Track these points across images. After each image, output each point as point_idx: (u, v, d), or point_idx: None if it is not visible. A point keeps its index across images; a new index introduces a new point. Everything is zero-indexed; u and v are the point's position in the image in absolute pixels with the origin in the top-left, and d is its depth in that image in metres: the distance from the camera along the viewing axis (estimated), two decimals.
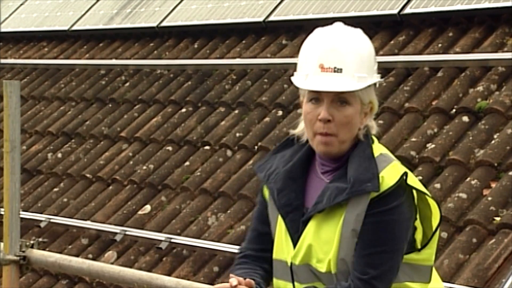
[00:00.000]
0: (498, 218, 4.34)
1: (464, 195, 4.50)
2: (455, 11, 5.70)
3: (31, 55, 8.31)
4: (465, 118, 5.05)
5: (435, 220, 2.77)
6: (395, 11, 5.91)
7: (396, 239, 2.71)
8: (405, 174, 2.69)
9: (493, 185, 4.57)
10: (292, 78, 2.88)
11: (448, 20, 5.83)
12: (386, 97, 5.58)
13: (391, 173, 2.70)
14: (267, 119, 5.96)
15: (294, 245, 2.80)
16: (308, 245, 2.78)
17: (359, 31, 2.88)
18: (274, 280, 2.89)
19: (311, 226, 2.77)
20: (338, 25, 2.86)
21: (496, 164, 4.66)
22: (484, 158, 4.69)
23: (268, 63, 6.41)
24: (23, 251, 3.45)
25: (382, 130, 5.17)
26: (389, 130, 5.26)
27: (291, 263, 2.81)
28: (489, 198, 4.45)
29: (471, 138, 4.87)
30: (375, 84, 2.81)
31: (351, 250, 2.71)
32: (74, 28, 7.98)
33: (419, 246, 2.78)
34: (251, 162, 5.67)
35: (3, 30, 8.61)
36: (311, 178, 2.87)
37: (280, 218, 2.85)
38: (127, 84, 7.14)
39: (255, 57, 6.58)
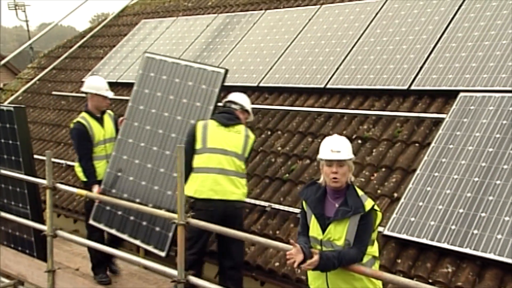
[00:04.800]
0: (379, 191, 4.64)
1: (362, 179, 4.78)
2: (355, 89, 5.72)
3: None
4: (359, 141, 5.27)
5: (377, 222, 3.00)
6: (322, 86, 6.05)
7: (370, 232, 2.94)
8: (374, 204, 2.93)
9: (375, 174, 4.83)
10: (318, 156, 3.04)
11: (348, 93, 5.85)
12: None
13: (369, 204, 2.93)
14: (262, 136, 6.05)
15: (323, 231, 2.97)
16: (330, 233, 2.93)
17: (343, 138, 3.06)
18: (311, 245, 3.04)
19: (332, 225, 2.94)
20: (337, 135, 3.08)
21: (375, 165, 4.93)
22: (370, 162, 4.97)
23: (259, 107, 6.43)
24: (185, 219, 3.52)
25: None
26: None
27: (321, 239, 2.98)
28: (374, 181, 4.74)
29: (363, 151, 5.12)
30: (351, 159, 3.00)
31: (351, 236, 2.90)
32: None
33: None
34: (257, 158, 5.74)
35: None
36: (327, 201, 3.03)
37: (313, 218, 3.00)
38: None
39: (252, 103, 6.48)
